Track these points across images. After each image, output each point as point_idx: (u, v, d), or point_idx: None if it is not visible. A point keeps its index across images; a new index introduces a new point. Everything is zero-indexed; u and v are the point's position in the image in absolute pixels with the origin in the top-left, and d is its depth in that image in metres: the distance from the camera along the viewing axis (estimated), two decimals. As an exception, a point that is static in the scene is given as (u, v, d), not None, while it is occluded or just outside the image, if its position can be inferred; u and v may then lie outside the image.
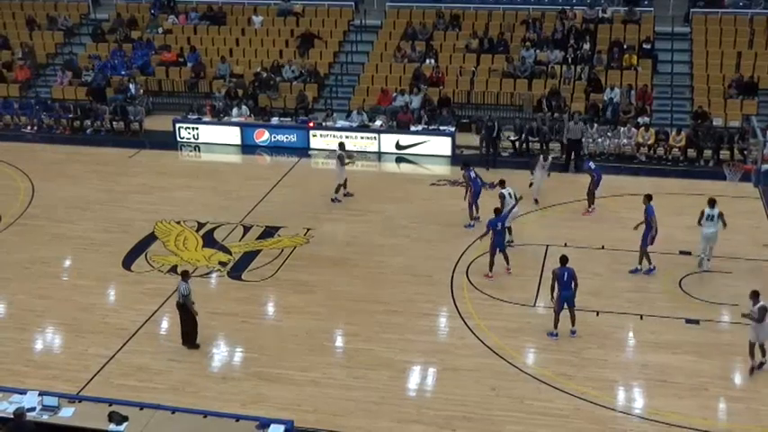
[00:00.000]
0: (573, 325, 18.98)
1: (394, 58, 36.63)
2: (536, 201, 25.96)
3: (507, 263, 21.87)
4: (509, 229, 22.98)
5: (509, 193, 23.24)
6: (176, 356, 18.52)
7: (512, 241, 23.06)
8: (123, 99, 35.30)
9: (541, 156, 26.54)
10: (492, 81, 34.72)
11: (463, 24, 37.89)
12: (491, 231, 21.54)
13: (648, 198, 21.53)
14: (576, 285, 18.78)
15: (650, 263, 21.60)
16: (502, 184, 23.64)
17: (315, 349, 18.76)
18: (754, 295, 17.42)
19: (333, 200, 26.44)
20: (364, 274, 22.10)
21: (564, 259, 19.02)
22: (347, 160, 26.72)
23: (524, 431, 16.00)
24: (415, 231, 24.55)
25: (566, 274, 18.72)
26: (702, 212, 21.49)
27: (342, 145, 27.42)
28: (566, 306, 18.84)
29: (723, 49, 34.62)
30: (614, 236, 23.55)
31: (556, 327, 18.90)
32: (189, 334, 18.70)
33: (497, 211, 22.00)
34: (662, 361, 18.10)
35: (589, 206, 25.40)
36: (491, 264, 21.71)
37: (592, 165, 25.72)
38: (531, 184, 26.18)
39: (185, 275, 18.69)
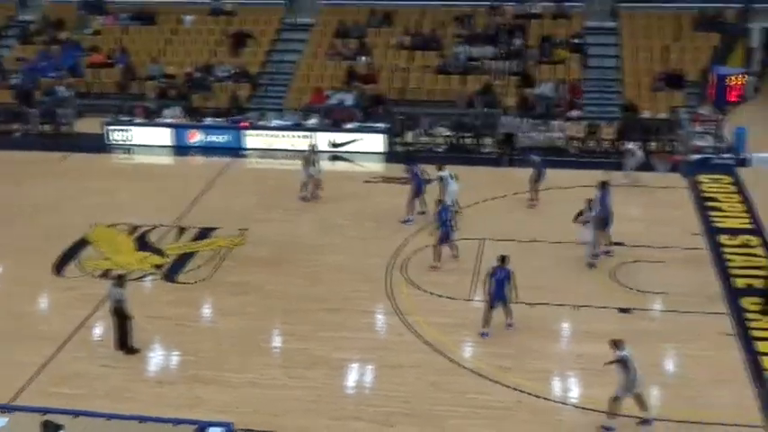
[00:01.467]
0: (510, 318, 19.10)
1: (327, 57, 36.58)
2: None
3: (454, 250, 22.25)
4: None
5: (449, 174, 23.73)
6: (111, 362, 18.24)
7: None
8: (52, 102, 34.65)
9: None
10: (425, 77, 34.86)
11: (396, 21, 37.99)
12: (440, 222, 21.77)
13: (603, 185, 21.89)
14: (514, 286, 18.82)
15: (601, 246, 21.90)
16: (440, 168, 23.79)
17: (252, 350, 18.64)
18: (614, 344, 15.87)
19: (302, 198, 26.51)
20: (300, 274, 22.03)
21: (502, 258, 19.07)
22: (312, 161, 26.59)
23: (465, 425, 16.08)
24: (351, 229, 24.56)
25: (501, 273, 18.77)
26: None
27: (313, 146, 27.38)
28: (499, 305, 18.93)
29: (650, 43, 35.26)
30: (548, 228, 23.81)
31: (486, 326, 18.83)
32: (123, 339, 18.44)
33: (440, 202, 22.21)
34: (597, 350, 18.22)
35: (533, 198, 25.71)
36: (438, 254, 21.86)
37: (536, 158, 25.97)
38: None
39: (120, 280, 18.48)
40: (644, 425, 15.82)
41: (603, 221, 21.65)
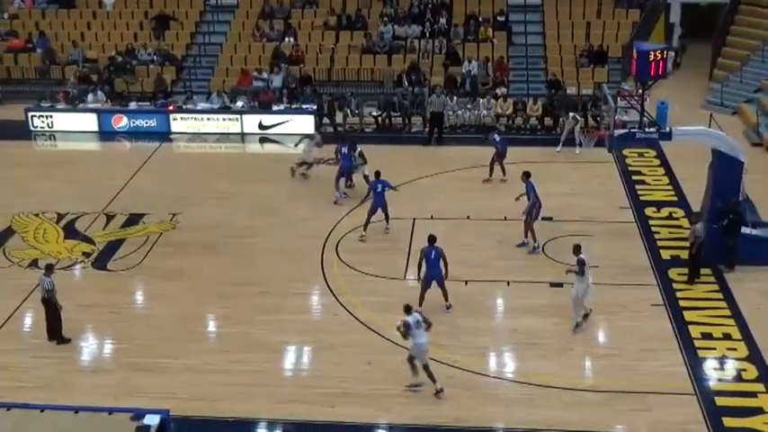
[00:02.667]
0: (446, 300, 19.26)
1: (252, 38, 36.27)
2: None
3: (387, 222, 22.64)
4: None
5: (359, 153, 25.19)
6: (42, 353, 17.93)
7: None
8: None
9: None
10: (352, 57, 34.81)
11: (321, 2, 37.77)
12: (372, 192, 22.57)
13: (527, 175, 21.94)
14: (445, 264, 18.96)
15: (535, 240, 21.78)
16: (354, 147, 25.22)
17: (188, 336, 18.50)
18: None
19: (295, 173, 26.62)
20: (234, 257, 21.91)
21: (432, 238, 19.17)
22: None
23: (403, 402, 16.22)
24: (283, 211, 24.47)
25: (433, 252, 18.90)
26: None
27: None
28: (435, 285, 19.08)
29: (573, 20, 35.72)
30: (478, 206, 24.06)
31: (420, 305, 18.88)
32: (54, 329, 18.16)
33: (378, 174, 22.73)
34: (530, 325, 18.65)
35: (490, 175, 25.79)
36: (366, 224, 22.28)
37: (496, 137, 26.16)
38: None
39: (49, 269, 18.17)
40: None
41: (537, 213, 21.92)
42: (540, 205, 21.72)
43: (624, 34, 34.69)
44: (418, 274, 19.16)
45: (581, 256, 18.08)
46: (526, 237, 21.96)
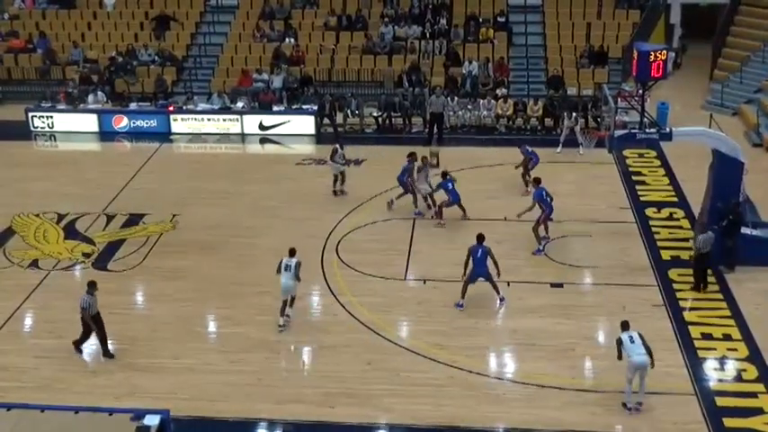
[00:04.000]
0: (498, 293, 19.42)
1: (253, 38, 36.28)
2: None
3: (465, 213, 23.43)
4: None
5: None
6: (43, 353, 17.95)
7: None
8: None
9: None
10: (352, 58, 34.81)
11: (321, 2, 37.78)
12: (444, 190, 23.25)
13: (537, 182, 21.97)
14: (494, 262, 19.18)
15: (539, 243, 21.69)
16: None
17: (188, 336, 18.50)
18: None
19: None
20: (234, 257, 21.91)
21: (480, 237, 19.40)
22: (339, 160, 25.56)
23: (402, 403, 16.23)
24: (283, 211, 24.48)
25: (480, 251, 19.08)
26: None
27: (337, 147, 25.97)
28: (481, 281, 19.21)
29: (573, 21, 35.72)
30: (478, 206, 24.02)
31: (463, 297, 19.15)
32: (79, 341, 17.89)
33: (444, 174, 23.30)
34: (530, 325, 18.65)
35: (527, 186, 24.89)
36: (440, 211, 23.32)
37: (528, 148, 25.67)
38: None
39: (91, 287, 17.48)
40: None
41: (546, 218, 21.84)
42: (551, 212, 21.65)
43: (624, 35, 34.70)
44: (464, 271, 19.27)
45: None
46: (540, 243, 21.83)
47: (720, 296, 19.57)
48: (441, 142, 29.12)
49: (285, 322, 18.59)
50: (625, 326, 16.01)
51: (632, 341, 15.62)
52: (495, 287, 19.38)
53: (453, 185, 23.03)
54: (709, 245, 19.44)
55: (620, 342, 15.75)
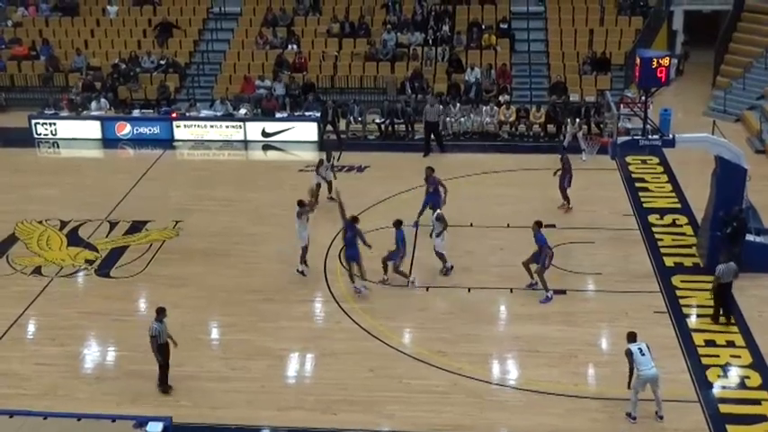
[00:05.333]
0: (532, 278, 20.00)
1: (255, 45, 36.33)
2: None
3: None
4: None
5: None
6: (45, 360, 17.94)
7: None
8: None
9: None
10: (355, 65, 34.85)
11: (324, 9, 37.88)
12: None
13: (538, 225, 20.34)
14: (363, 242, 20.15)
15: (547, 290, 20.07)
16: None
17: (190, 343, 18.40)
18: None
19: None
20: (237, 264, 21.90)
21: (355, 219, 20.40)
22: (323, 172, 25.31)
23: (405, 410, 16.20)
24: (286, 218, 24.34)
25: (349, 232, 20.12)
26: None
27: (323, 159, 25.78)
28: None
29: (576, 27, 35.74)
30: (480, 213, 24.04)
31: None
32: (161, 377, 16.92)
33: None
34: (532, 332, 18.62)
35: (567, 203, 24.45)
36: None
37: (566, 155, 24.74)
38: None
39: (159, 314, 16.65)
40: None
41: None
42: (552, 255, 20.54)
43: (627, 41, 34.71)
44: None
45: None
46: (533, 278, 20.49)
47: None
48: (443, 149, 29.05)
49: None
50: (632, 337, 15.82)
51: (642, 353, 15.42)
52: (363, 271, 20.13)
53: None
54: (731, 275, 18.54)
55: (630, 353, 15.56)
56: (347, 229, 20.34)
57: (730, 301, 19.03)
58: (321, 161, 25.38)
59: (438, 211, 21.38)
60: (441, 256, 20.95)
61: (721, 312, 18.70)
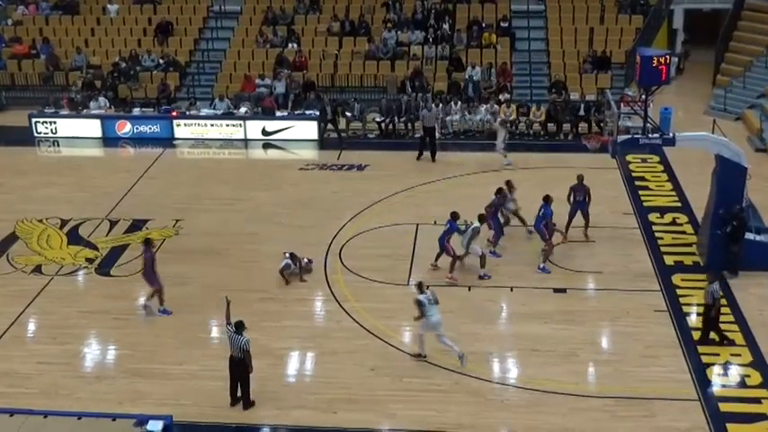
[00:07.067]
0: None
1: (256, 44, 36.32)
2: None
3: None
4: None
5: None
6: (45, 359, 17.92)
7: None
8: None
9: None
10: (355, 63, 34.85)
11: (324, 8, 37.88)
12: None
13: (546, 200, 21.12)
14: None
15: (543, 261, 21.00)
16: None
17: (191, 342, 18.48)
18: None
19: None
20: (237, 263, 21.89)
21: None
22: None
23: (406, 408, 16.19)
24: (287, 217, 24.47)
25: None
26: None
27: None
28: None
29: (576, 26, 35.75)
30: (480, 211, 23.91)
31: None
32: (240, 389, 16.35)
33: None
34: (533, 331, 18.62)
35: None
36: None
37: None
38: None
39: (239, 328, 16.05)
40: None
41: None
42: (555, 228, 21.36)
43: (627, 40, 34.73)
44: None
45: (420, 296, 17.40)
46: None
47: (724, 301, 19.49)
48: (433, 159, 28.57)
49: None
50: (420, 287, 17.33)
51: (431, 303, 17.14)
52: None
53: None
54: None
55: (420, 303, 17.11)
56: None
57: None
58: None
59: (476, 224, 21.02)
60: (482, 257, 20.87)
61: (711, 335, 18.13)
